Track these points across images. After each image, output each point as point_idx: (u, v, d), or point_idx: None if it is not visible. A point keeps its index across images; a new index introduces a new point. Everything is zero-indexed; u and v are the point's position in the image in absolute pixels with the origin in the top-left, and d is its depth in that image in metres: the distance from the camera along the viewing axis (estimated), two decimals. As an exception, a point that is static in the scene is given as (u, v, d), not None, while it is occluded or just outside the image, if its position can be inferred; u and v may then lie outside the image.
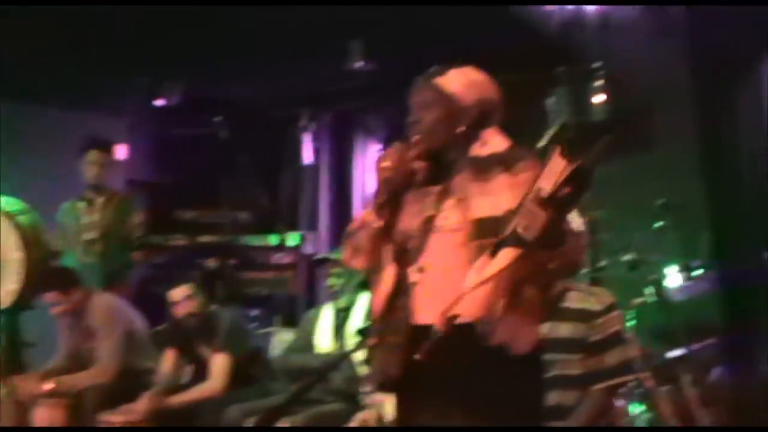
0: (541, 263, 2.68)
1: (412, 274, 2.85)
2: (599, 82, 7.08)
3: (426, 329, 2.77)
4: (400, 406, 2.97)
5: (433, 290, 2.80)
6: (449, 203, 2.86)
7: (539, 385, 2.96)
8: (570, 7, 7.33)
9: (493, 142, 2.91)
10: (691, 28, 7.22)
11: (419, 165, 2.96)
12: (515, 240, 2.59)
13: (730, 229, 7.08)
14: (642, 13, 7.09)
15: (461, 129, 2.91)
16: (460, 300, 2.65)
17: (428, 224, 2.86)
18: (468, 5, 6.57)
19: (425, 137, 2.92)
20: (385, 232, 2.92)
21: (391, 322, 2.87)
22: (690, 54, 7.26)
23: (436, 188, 2.92)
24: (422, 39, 7.01)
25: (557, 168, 2.54)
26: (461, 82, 2.94)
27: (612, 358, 3.99)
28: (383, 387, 2.97)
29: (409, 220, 2.90)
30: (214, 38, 7.15)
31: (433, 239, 2.84)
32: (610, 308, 4.05)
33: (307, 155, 8.73)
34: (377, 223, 2.91)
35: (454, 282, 2.74)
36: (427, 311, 2.80)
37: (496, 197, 2.77)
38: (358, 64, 7.21)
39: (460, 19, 6.77)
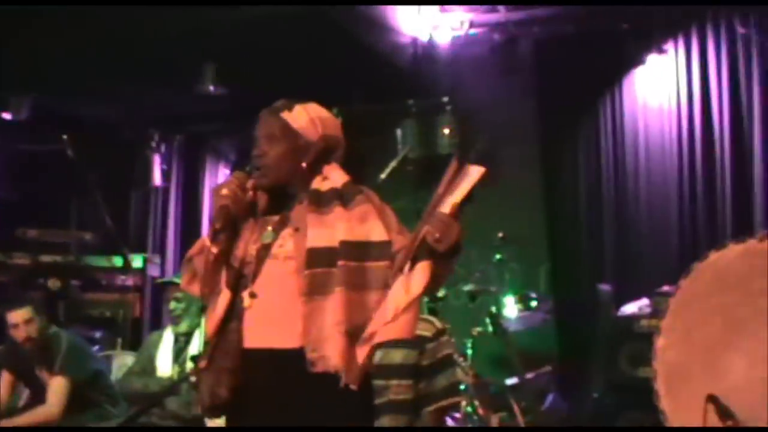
0: (441, 274, 2.73)
1: (245, 299, 2.89)
2: (447, 116, 7.27)
3: (255, 353, 2.84)
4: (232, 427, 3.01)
5: (263, 316, 2.86)
6: (286, 232, 2.92)
7: (368, 412, 3.01)
8: (422, 41, 7.53)
9: (333, 177, 2.97)
10: (537, 67, 7.51)
11: (259, 195, 3.03)
12: (428, 253, 2.65)
13: (567, 262, 7.35)
14: (491, 50, 7.32)
15: (305, 164, 2.97)
16: (392, 321, 2.69)
17: (264, 252, 2.91)
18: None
19: (269, 170, 2.98)
20: (222, 259, 2.96)
21: (222, 346, 2.91)
22: (535, 92, 7.53)
23: (275, 218, 2.98)
24: (274, 67, 7.08)
25: (459, 177, 2.62)
26: (307, 118, 3.00)
27: (441, 381, 4.12)
28: (211, 410, 2.98)
29: (246, 247, 2.95)
30: (66, 54, 7.04)
31: (268, 266, 2.89)
32: (440, 334, 4.18)
33: (157, 177, 8.69)
34: (213, 249, 2.94)
35: (283, 308, 2.81)
36: (256, 336, 2.86)
37: (331, 229, 2.84)
38: (210, 88, 7.21)
39: (312, 47, 6.86)
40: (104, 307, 7.61)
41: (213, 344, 2.93)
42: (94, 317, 7.59)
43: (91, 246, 8.09)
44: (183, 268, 3.11)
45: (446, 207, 2.62)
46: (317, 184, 2.95)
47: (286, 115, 3.00)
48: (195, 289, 3.05)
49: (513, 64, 7.32)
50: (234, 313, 2.90)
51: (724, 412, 3.80)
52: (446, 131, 7.21)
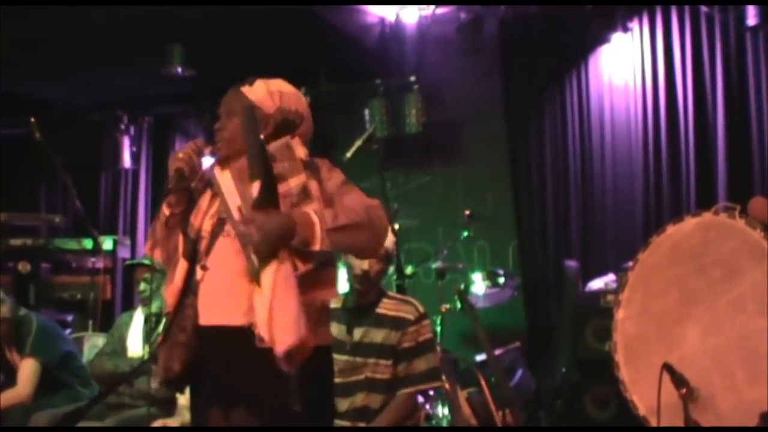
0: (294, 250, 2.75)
1: (198, 272, 2.91)
2: (414, 95, 7.31)
3: (206, 330, 2.87)
4: (193, 404, 3.05)
5: (213, 292, 2.88)
6: None
7: (328, 386, 3.04)
8: (389, 21, 7.55)
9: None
10: (503, 46, 7.55)
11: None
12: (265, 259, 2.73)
13: (534, 239, 7.42)
14: (457, 29, 7.34)
15: (262, 136, 2.94)
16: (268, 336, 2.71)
17: (218, 227, 2.93)
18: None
19: (228, 143, 3.01)
20: (174, 223, 3.00)
21: (178, 321, 2.93)
22: (501, 71, 7.57)
23: None
24: (242, 48, 7.08)
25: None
26: (264, 91, 3.02)
27: (420, 364, 4.15)
28: (167, 384, 3.01)
29: (202, 219, 2.97)
30: (32, 36, 7.02)
31: (220, 243, 2.91)
32: (422, 318, 4.20)
33: (126, 159, 8.68)
34: (165, 211, 2.99)
35: (231, 286, 2.83)
36: (207, 313, 2.89)
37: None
38: (178, 70, 7.22)
39: (280, 28, 6.87)
40: (75, 289, 7.59)
41: (170, 319, 2.96)
42: (64, 300, 7.57)
43: (61, 228, 8.10)
44: (148, 235, 3.16)
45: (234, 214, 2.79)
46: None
47: (245, 89, 3.03)
48: (157, 254, 3.09)
49: (479, 44, 7.33)
50: (191, 286, 2.92)
51: (678, 380, 3.89)
52: (413, 110, 7.26)
